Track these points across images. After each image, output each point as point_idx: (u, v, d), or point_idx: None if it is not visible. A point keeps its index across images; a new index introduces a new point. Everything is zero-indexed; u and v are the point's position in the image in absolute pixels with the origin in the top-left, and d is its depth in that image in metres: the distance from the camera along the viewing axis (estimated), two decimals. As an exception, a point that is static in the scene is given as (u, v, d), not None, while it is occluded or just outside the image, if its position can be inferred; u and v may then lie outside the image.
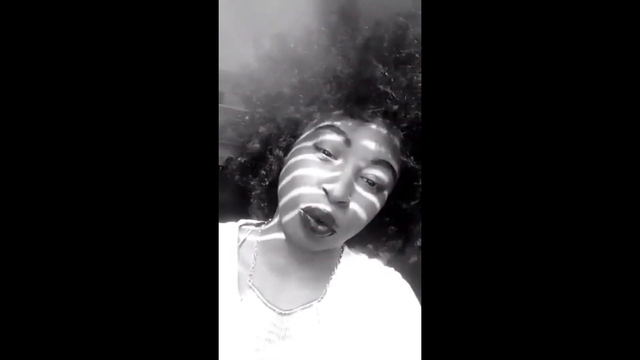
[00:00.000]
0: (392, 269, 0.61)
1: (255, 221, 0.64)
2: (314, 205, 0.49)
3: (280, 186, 0.53)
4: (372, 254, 0.63)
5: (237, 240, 0.60)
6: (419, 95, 0.49)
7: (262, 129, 0.56)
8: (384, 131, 0.50)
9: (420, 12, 0.49)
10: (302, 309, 0.55)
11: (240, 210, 0.63)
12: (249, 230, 0.63)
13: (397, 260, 0.63)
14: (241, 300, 0.54)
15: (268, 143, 0.57)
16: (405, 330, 0.55)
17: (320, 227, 0.49)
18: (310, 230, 0.49)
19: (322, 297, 0.56)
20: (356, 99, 0.50)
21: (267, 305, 0.55)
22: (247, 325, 0.53)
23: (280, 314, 0.55)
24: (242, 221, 0.64)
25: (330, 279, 0.58)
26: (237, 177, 0.60)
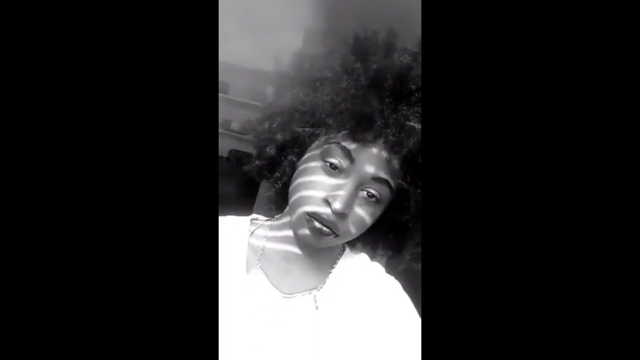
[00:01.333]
0: (392, 277, 0.67)
1: (264, 217, 0.70)
2: (317, 211, 0.55)
3: (291, 189, 0.60)
4: (371, 255, 0.68)
5: (248, 230, 0.67)
6: (414, 134, 0.54)
7: (278, 136, 0.62)
8: (384, 154, 0.56)
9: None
10: (302, 295, 0.61)
11: (248, 205, 0.67)
12: (259, 222, 0.69)
13: (390, 266, 0.68)
14: (248, 281, 0.60)
15: (283, 149, 0.63)
16: (400, 329, 0.60)
17: (325, 229, 0.55)
18: (317, 231, 0.55)
19: (321, 287, 0.62)
20: (358, 130, 0.55)
21: (272, 286, 0.61)
22: (253, 303, 0.59)
23: (282, 296, 0.60)
24: (254, 215, 0.70)
25: (330, 272, 0.64)
26: (258, 175, 0.66)
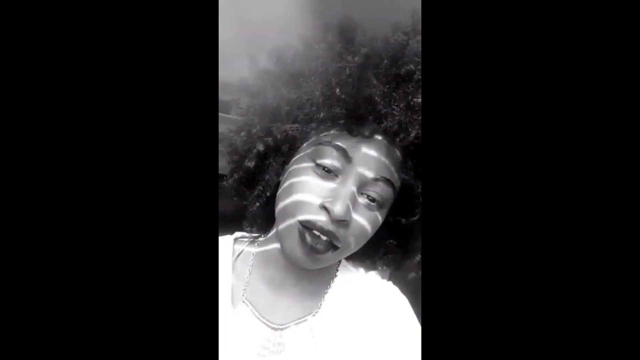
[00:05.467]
0: (390, 283, 0.61)
1: (251, 234, 0.63)
2: (313, 219, 0.48)
3: (278, 199, 0.53)
4: (369, 268, 0.62)
5: (231, 254, 0.59)
6: (419, 113, 0.49)
7: (259, 144, 0.55)
8: (384, 148, 0.50)
9: (420, 26, 0.52)
10: (296, 323, 0.55)
11: (239, 222, 0.62)
12: (245, 242, 0.62)
13: (396, 276, 0.62)
14: (234, 314, 0.54)
15: (266, 157, 0.56)
16: (402, 346, 0.54)
17: (319, 246, 0.48)
18: (309, 249, 0.48)
19: (316, 312, 0.56)
20: (355, 117, 0.50)
21: (260, 320, 0.54)
22: (240, 341, 0.52)
23: (273, 328, 0.54)
24: (238, 234, 0.63)
25: (326, 292, 0.58)
26: (234, 192, 0.60)
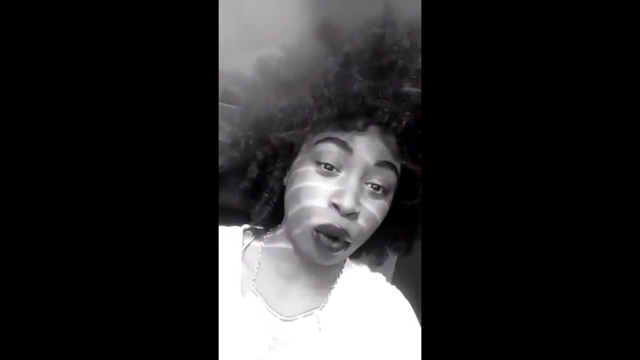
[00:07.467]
0: (394, 287, 0.62)
1: (259, 227, 0.64)
2: (326, 222, 0.49)
3: (287, 205, 0.54)
4: (374, 265, 0.64)
5: (241, 244, 0.61)
6: (409, 101, 0.50)
7: (258, 153, 0.56)
8: (380, 135, 0.51)
9: (392, 17, 0.54)
10: (304, 316, 0.56)
11: (246, 213, 0.63)
12: (253, 234, 0.63)
13: (405, 257, 0.64)
14: (243, 304, 0.55)
15: (266, 165, 0.57)
16: (403, 349, 0.56)
17: (334, 245, 0.50)
18: (325, 249, 0.50)
19: (323, 306, 0.57)
20: (347, 115, 0.51)
21: (269, 311, 0.56)
22: (249, 330, 0.54)
23: (282, 319, 0.55)
24: (247, 225, 0.64)
25: (332, 288, 0.59)
26: (240, 204, 0.61)
